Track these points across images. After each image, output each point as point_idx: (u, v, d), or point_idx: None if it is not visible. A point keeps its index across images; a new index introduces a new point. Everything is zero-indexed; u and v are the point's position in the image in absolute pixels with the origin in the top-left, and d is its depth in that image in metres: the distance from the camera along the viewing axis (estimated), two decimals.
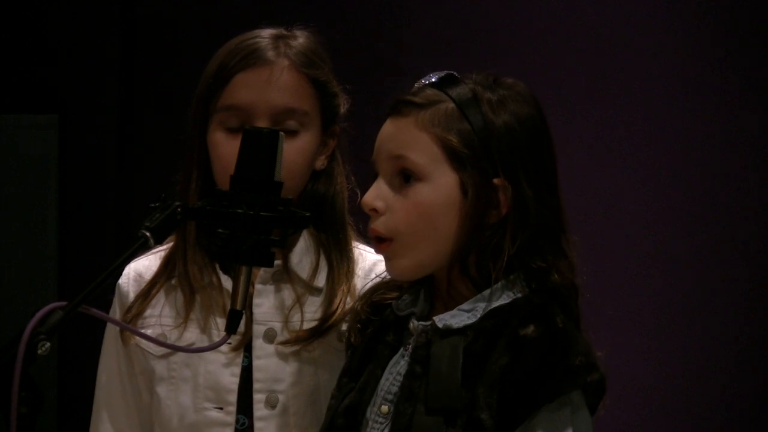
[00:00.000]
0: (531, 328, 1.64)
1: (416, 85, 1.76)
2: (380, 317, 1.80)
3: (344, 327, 1.91)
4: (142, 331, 1.92)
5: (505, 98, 1.71)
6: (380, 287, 1.84)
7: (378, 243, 1.73)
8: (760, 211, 3.23)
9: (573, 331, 1.67)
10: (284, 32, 1.96)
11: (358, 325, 1.82)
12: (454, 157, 1.68)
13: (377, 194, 1.72)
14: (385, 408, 1.71)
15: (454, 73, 1.75)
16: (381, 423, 1.71)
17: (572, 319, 1.70)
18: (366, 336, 1.80)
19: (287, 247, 1.95)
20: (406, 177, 1.70)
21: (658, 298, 3.30)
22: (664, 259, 3.30)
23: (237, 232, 1.61)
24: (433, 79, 1.74)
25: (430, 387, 1.65)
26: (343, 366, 1.83)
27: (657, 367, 3.30)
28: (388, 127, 1.74)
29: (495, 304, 1.68)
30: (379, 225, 1.72)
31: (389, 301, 1.80)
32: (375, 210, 1.72)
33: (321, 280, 1.96)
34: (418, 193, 1.69)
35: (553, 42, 3.43)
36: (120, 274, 1.98)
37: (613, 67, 3.37)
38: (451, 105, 1.70)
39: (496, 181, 1.68)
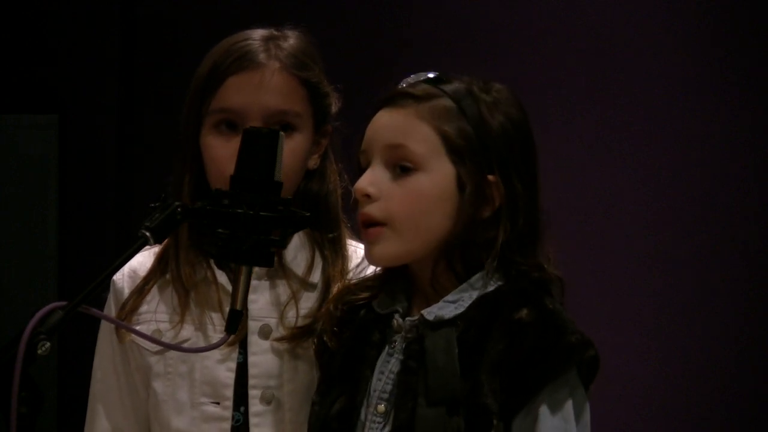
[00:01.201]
0: (524, 312, 1.67)
1: (404, 82, 1.77)
2: (357, 318, 1.80)
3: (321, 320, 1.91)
4: (138, 327, 1.92)
5: (498, 101, 1.75)
6: (351, 289, 1.84)
7: (366, 228, 1.73)
8: (760, 211, 3.23)
9: (562, 312, 1.70)
10: (275, 33, 1.96)
11: (335, 329, 1.81)
12: (453, 150, 1.71)
13: (371, 180, 1.73)
14: (381, 407, 1.72)
15: (442, 74, 1.77)
16: (379, 422, 1.71)
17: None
18: (345, 339, 1.80)
19: None
20: (403, 167, 1.72)
21: (658, 298, 3.30)
22: (664, 259, 3.30)
23: (237, 232, 1.61)
24: (427, 77, 1.76)
25: (429, 380, 1.66)
26: (321, 373, 1.82)
27: (657, 367, 3.30)
28: (385, 117, 1.75)
29: (481, 293, 1.70)
30: (372, 209, 1.72)
31: (362, 302, 1.80)
32: (367, 196, 1.72)
33: (316, 277, 1.96)
34: (416, 183, 1.71)
35: (553, 42, 3.43)
36: None
37: (613, 67, 3.37)
38: (450, 101, 1.73)
39: (490, 177, 1.71)
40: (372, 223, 1.73)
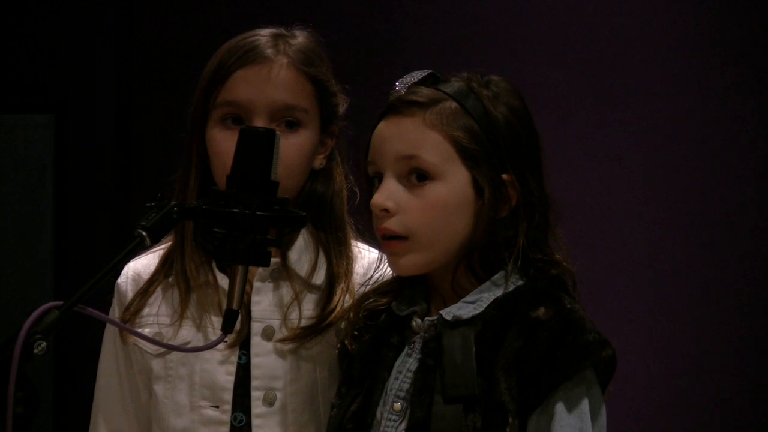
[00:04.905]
0: (542, 310, 1.66)
1: (399, 84, 1.76)
2: (377, 323, 1.80)
3: (343, 325, 1.90)
4: (140, 330, 1.92)
5: (498, 94, 1.74)
6: (370, 295, 1.84)
7: (388, 240, 1.73)
8: (760, 211, 3.23)
9: (580, 311, 1.69)
10: (284, 31, 1.97)
11: (355, 333, 1.82)
12: (466, 155, 1.70)
13: (388, 194, 1.72)
14: (398, 405, 1.72)
15: (435, 71, 1.76)
16: (395, 420, 1.71)
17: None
18: (365, 343, 1.80)
19: (286, 244, 1.95)
20: (419, 177, 1.71)
21: (658, 298, 3.30)
22: (664, 259, 3.30)
23: (233, 232, 1.60)
24: (420, 78, 1.75)
25: (446, 377, 1.66)
26: (341, 377, 1.83)
27: (657, 367, 3.29)
28: (391, 127, 1.74)
29: (500, 293, 1.70)
30: (392, 224, 1.71)
31: (382, 307, 1.80)
32: (386, 210, 1.71)
33: (320, 278, 1.95)
34: (433, 193, 1.70)
35: (553, 42, 3.43)
36: (117, 273, 1.98)
37: (613, 67, 3.37)
38: (454, 103, 1.71)
39: (504, 176, 1.71)
40: (393, 236, 1.72)
